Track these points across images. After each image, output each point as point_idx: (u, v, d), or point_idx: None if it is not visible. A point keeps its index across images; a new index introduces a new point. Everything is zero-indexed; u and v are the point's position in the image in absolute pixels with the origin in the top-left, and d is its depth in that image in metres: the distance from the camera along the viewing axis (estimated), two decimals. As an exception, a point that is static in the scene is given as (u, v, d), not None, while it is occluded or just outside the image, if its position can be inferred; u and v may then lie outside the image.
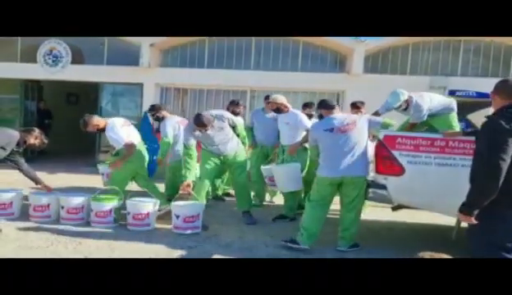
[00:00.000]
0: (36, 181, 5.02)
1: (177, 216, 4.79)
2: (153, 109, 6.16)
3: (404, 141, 4.20)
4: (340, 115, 4.46)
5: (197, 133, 4.97)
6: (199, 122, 4.81)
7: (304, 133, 5.43)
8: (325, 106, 4.56)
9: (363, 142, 4.39)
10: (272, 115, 5.96)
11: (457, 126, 5.23)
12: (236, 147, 5.29)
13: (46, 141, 5.03)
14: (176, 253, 4.08)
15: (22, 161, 4.92)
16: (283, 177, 5.37)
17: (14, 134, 4.69)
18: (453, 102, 5.38)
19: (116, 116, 5.80)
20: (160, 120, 6.02)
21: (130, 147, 5.07)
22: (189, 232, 4.74)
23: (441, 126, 5.15)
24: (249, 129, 6.26)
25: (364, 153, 4.38)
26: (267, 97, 6.27)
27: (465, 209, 2.69)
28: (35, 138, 4.85)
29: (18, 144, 4.73)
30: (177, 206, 4.87)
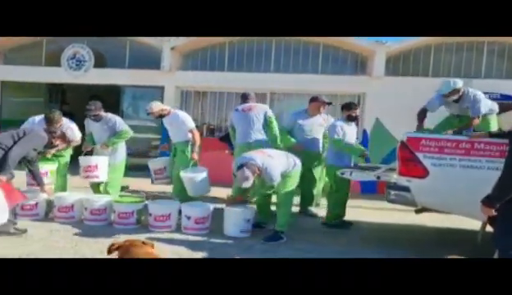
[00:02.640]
0: (40, 183, 4.92)
1: (188, 217, 4.83)
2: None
3: (429, 143, 4.15)
4: None
5: None
6: None
7: None
8: None
9: None
10: (317, 117, 5.93)
11: (495, 128, 5.13)
12: None
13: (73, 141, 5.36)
14: (198, 254, 4.10)
15: (36, 161, 4.97)
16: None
17: (45, 136, 4.81)
18: (495, 104, 5.32)
19: (136, 119, 6.06)
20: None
21: (197, 134, 5.70)
22: (198, 233, 4.79)
23: (479, 127, 5.04)
24: (287, 132, 6.00)
25: None
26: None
27: (488, 201, 2.76)
28: (57, 138, 5.09)
29: (45, 145, 4.88)
30: (188, 207, 4.90)
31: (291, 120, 6.02)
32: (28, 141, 4.52)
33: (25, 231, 4.46)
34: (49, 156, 5.46)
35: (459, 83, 5.09)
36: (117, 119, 5.90)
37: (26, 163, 4.70)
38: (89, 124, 5.88)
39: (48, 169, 5.47)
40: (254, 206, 5.10)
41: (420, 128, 5.30)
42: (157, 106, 5.81)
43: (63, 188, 5.73)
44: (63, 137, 5.27)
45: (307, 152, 5.72)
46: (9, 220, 4.25)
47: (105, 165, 5.61)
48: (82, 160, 5.63)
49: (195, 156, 5.71)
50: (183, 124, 5.77)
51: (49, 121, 5.15)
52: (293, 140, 5.83)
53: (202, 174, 5.41)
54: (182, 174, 5.44)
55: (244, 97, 5.99)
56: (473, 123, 5.01)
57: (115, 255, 2.50)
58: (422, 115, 5.39)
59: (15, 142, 4.43)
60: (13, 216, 4.41)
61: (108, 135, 5.77)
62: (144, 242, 2.64)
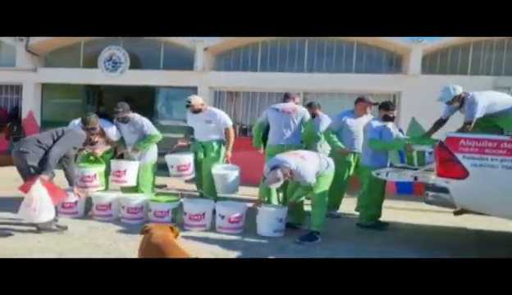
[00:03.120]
0: (73, 183, 4.94)
1: (222, 217, 4.86)
2: None
3: (468, 143, 4.03)
4: None
5: None
6: None
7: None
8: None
9: None
10: (364, 117, 5.84)
11: None
12: None
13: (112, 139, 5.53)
14: (232, 254, 4.12)
15: (72, 160, 5.02)
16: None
17: (84, 135, 4.90)
18: None
19: (169, 119, 6.12)
20: None
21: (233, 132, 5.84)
22: (232, 232, 4.82)
23: (507, 126, 4.86)
24: (334, 133, 5.88)
25: None
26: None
27: None
28: (96, 136, 5.15)
29: (84, 143, 4.98)
30: (222, 206, 4.94)
31: (339, 121, 5.89)
32: (67, 140, 4.62)
33: (65, 228, 4.60)
34: (99, 154, 5.48)
35: (459, 89, 4.90)
36: (145, 121, 5.82)
37: (64, 162, 4.77)
38: (119, 126, 5.89)
39: (96, 171, 5.52)
40: (287, 207, 5.07)
41: (428, 135, 5.25)
42: (197, 100, 5.73)
43: (105, 187, 5.80)
44: (102, 133, 5.32)
45: (354, 153, 5.79)
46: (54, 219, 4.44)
47: (134, 171, 5.62)
48: (113, 164, 5.64)
49: (229, 154, 5.69)
50: (221, 121, 5.70)
51: (86, 123, 5.23)
52: (339, 144, 5.74)
53: (234, 173, 5.38)
54: (214, 171, 5.43)
55: (286, 97, 5.89)
56: (464, 129, 4.69)
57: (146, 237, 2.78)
58: (438, 124, 5.21)
59: (54, 142, 4.54)
60: (55, 214, 4.54)
61: (137, 137, 5.77)
62: (171, 228, 2.97)
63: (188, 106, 5.69)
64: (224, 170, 5.45)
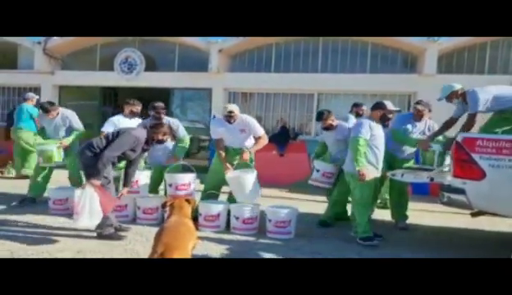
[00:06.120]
0: (127, 185, 4.77)
1: (237, 218, 4.89)
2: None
3: (486, 143, 3.98)
4: None
5: None
6: None
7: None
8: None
9: None
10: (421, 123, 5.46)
11: None
12: None
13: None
14: (246, 254, 4.13)
15: (140, 161, 4.91)
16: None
17: (141, 135, 4.48)
18: None
19: (185, 120, 5.94)
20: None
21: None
22: (246, 233, 4.84)
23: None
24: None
25: None
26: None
27: None
28: (163, 134, 4.61)
29: (147, 142, 4.58)
30: (236, 208, 4.95)
31: (400, 125, 5.43)
32: (118, 142, 4.31)
33: (119, 238, 4.46)
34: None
35: (457, 86, 4.83)
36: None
37: (128, 164, 4.66)
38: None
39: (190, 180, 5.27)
40: (295, 207, 5.06)
41: (436, 135, 5.08)
42: (237, 109, 5.18)
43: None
44: (170, 130, 4.87)
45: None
46: (107, 224, 4.36)
47: (145, 180, 5.38)
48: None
49: (247, 156, 5.18)
50: (255, 129, 5.24)
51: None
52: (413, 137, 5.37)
53: (251, 177, 5.06)
54: (230, 174, 5.10)
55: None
56: (469, 122, 4.60)
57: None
58: (447, 124, 5.06)
59: (108, 143, 4.34)
60: (111, 219, 4.45)
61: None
62: (188, 200, 3.48)
63: (229, 116, 5.09)
64: (241, 175, 5.06)
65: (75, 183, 5.80)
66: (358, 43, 9.64)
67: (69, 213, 5.31)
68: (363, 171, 4.48)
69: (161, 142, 4.67)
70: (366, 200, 4.69)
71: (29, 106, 7.82)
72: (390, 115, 4.86)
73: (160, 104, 5.47)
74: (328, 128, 5.37)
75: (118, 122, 5.71)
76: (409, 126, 5.34)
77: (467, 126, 4.64)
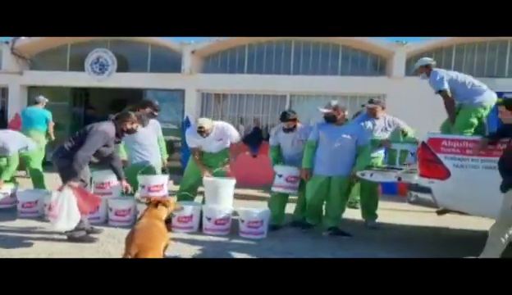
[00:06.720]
0: (120, 176, 4.80)
1: (209, 219, 4.92)
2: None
3: (450, 144, 4.14)
4: None
5: None
6: None
7: None
8: None
9: None
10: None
11: (472, 124, 4.65)
12: None
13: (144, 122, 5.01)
14: (219, 255, 4.16)
15: (117, 153, 4.88)
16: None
17: (109, 130, 4.43)
18: (479, 95, 4.67)
19: (159, 122, 5.87)
20: None
21: None
22: (219, 233, 4.86)
23: (457, 121, 4.74)
24: None
25: None
26: None
27: None
28: (131, 122, 4.60)
29: (117, 135, 4.55)
30: (208, 209, 4.96)
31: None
32: (90, 141, 4.24)
33: (91, 240, 4.42)
34: None
35: (428, 60, 5.07)
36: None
37: (109, 160, 4.65)
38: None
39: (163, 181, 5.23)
40: (268, 208, 5.13)
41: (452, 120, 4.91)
42: (208, 123, 5.13)
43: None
44: (137, 117, 4.77)
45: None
46: (79, 227, 4.25)
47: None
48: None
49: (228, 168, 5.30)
50: (231, 136, 5.32)
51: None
52: None
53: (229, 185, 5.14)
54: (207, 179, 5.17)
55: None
56: (445, 102, 4.76)
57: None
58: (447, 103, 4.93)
59: (76, 144, 4.28)
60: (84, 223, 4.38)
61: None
62: (165, 203, 3.48)
63: (201, 132, 5.07)
64: (218, 180, 5.10)
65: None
66: (329, 46, 9.81)
67: (38, 216, 5.25)
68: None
69: (131, 131, 4.66)
70: None
71: (44, 111, 8.23)
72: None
73: (157, 102, 5.64)
74: (291, 129, 5.27)
75: None
76: (370, 124, 5.48)
77: (446, 108, 4.78)
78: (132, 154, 5.46)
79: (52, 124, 8.18)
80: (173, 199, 3.64)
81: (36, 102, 8.31)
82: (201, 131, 5.05)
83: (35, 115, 8.12)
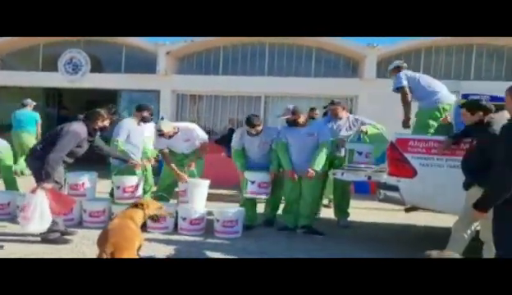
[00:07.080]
0: (124, 159, 5.18)
1: (184, 219, 4.97)
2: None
3: (417, 144, 4.31)
4: None
5: None
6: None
7: None
8: None
9: None
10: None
11: (431, 125, 5.05)
12: None
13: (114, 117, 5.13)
14: (193, 255, 4.22)
15: (102, 143, 4.89)
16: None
17: (81, 130, 4.42)
18: (434, 96, 5.12)
19: None
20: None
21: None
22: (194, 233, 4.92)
23: (415, 124, 5.23)
24: None
25: None
26: None
27: (481, 206, 2.91)
28: (102, 120, 4.60)
29: (90, 134, 4.53)
30: (183, 209, 5.02)
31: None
32: (61, 143, 4.23)
33: (65, 242, 4.42)
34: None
35: (397, 63, 5.63)
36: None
37: (97, 150, 4.79)
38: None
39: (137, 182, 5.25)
40: (242, 208, 5.22)
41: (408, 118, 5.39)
42: (168, 126, 5.17)
43: None
44: (106, 113, 4.77)
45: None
46: (53, 229, 4.25)
47: (91, 183, 5.29)
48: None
49: (193, 166, 5.34)
50: (199, 136, 5.41)
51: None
52: None
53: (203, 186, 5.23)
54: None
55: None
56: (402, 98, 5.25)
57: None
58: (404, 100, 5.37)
59: (47, 145, 4.27)
60: (58, 225, 4.39)
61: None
62: (143, 205, 3.51)
63: (160, 135, 5.15)
64: (193, 181, 5.18)
65: None
66: (303, 48, 9.96)
67: (11, 217, 5.20)
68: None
69: (103, 129, 4.67)
70: None
71: (33, 112, 8.75)
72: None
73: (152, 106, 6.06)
74: (257, 132, 5.29)
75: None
76: (334, 124, 5.70)
77: (402, 105, 5.24)
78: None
79: (39, 124, 8.68)
80: (157, 203, 3.67)
81: (24, 105, 8.73)
82: (161, 135, 5.14)
83: (25, 117, 8.60)
